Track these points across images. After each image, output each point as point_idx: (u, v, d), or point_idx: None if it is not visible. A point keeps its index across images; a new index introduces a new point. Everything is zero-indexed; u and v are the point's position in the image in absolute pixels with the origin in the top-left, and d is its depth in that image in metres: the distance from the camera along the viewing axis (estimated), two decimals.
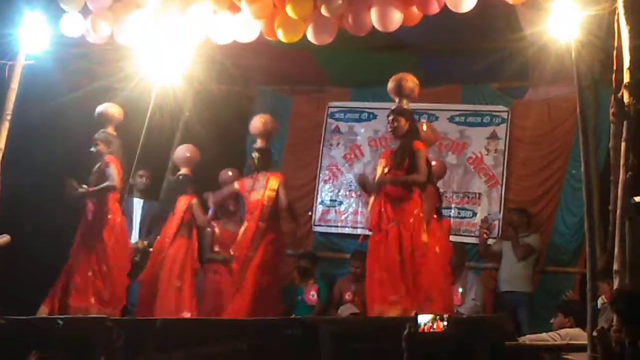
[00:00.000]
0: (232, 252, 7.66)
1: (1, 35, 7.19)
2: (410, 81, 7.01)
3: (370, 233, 7.09)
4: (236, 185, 7.93)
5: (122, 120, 7.86)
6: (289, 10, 6.90)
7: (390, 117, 6.99)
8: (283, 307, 8.12)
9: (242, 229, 7.64)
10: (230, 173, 8.52)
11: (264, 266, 7.52)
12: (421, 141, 6.99)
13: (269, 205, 7.61)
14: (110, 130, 7.77)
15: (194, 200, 8.10)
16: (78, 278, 7.46)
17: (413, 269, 6.63)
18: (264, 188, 7.65)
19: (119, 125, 7.85)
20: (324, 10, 6.86)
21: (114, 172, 7.64)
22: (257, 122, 7.96)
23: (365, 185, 7.20)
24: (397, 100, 7.03)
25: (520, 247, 8.19)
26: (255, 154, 7.85)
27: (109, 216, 7.60)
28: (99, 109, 7.80)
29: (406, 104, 7.01)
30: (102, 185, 7.62)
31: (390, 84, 7.05)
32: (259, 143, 7.89)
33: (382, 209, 6.82)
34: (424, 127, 7.62)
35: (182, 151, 8.40)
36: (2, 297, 6.74)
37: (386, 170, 6.93)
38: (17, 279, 7.29)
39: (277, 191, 7.65)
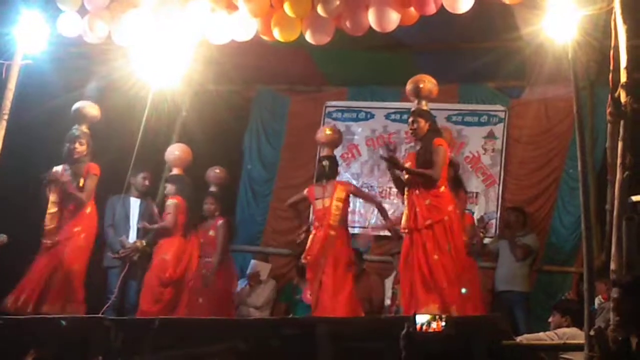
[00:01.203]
0: (303, 260, 7.63)
1: None
2: (428, 82, 7.03)
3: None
4: (305, 192, 7.85)
5: (97, 119, 7.80)
6: (287, 8, 6.90)
7: (410, 119, 7.02)
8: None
9: (311, 236, 7.59)
10: (217, 171, 8.47)
11: (336, 270, 7.46)
12: (442, 138, 7.02)
13: (337, 214, 7.55)
14: (84, 128, 7.70)
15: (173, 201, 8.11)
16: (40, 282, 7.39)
17: (452, 266, 6.68)
18: (332, 197, 7.59)
19: (94, 125, 7.79)
20: (321, 11, 6.86)
21: (92, 186, 7.63)
22: (324, 132, 7.95)
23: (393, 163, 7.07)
24: (415, 101, 7.05)
25: (518, 248, 8.19)
26: (325, 162, 7.77)
27: (75, 229, 7.55)
28: (75, 106, 7.72)
29: (425, 105, 7.03)
30: (77, 195, 7.58)
31: (409, 86, 7.07)
32: (326, 151, 7.84)
33: (417, 209, 6.82)
34: None
35: (173, 150, 8.37)
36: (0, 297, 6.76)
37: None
38: (15, 279, 7.28)
39: (345, 200, 7.64)
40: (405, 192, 6.96)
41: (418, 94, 7.02)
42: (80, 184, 7.59)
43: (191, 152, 8.35)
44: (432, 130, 6.97)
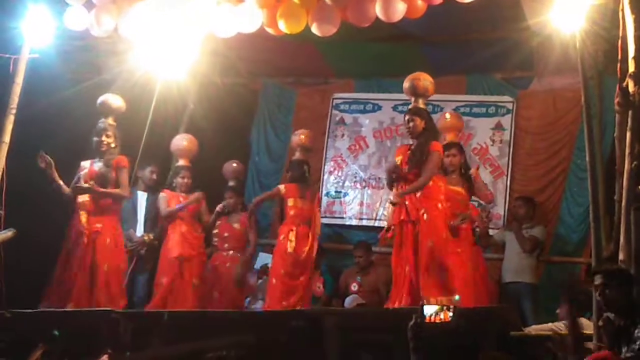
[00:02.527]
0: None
1: (5, 29, 7.21)
2: (424, 80, 7.07)
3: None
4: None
5: (124, 112, 7.82)
6: None
7: (406, 117, 7.08)
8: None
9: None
10: (234, 165, 8.53)
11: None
12: (439, 141, 7.09)
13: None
14: (111, 121, 7.73)
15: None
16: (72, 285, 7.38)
17: (443, 255, 6.76)
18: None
19: (120, 117, 7.81)
20: (327, 0, 6.85)
21: (126, 178, 7.66)
22: (298, 136, 8.13)
23: (395, 176, 7.17)
24: (412, 99, 7.07)
25: (526, 241, 8.16)
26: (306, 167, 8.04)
27: (108, 239, 7.55)
28: (102, 98, 7.73)
29: (422, 103, 7.08)
30: (114, 192, 7.60)
31: (405, 84, 7.12)
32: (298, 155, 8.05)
33: (407, 202, 6.88)
34: (447, 116, 7.81)
35: (179, 141, 8.37)
36: (8, 291, 6.77)
37: (404, 168, 6.99)
38: (21, 274, 7.29)
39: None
40: (394, 189, 7.09)
41: (414, 91, 7.07)
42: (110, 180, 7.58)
43: (197, 143, 8.35)
44: (428, 129, 7.02)
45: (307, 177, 8.02)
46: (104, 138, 7.61)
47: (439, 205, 6.87)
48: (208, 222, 8.20)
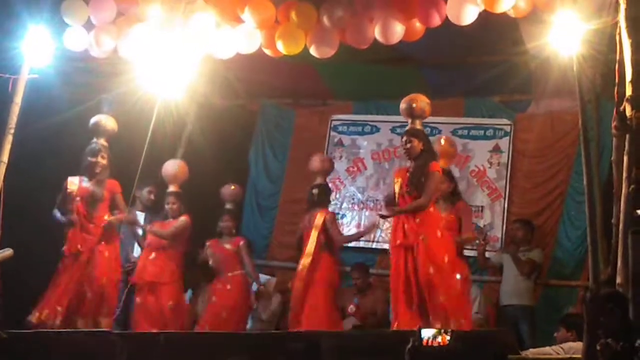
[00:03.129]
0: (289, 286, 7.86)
1: (5, 49, 7.22)
2: (421, 101, 7.03)
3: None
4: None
5: (116, 133, 7.82)
6: (292, 18, 6.93)
7: (404, 139, 7.02)
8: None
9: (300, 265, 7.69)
10: (232, 187, 8.50)
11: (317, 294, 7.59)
12: (437, 161, 7.04)
13: (313, 242, 7.65)
14: (103, 141, 7.73)
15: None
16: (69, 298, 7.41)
17: (443, 282, 6.67)
18: (312, 225, 7.73)
19: (112, 138, 7.81)
20: (325, 22, 6.89)
21: (122, 202, 7.75)
22: (316, 160, 8.11)
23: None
24: (409, 121, 7.07)
25: (524, 264, 8.16)
26: (315, 190, 7.94)
27: (106, 253, 7.61)
28: (95, 119, 7.74)
29: (419, 124, 7.05)
30: (115, 218, 7.74)
31: (402, 105, 7.09)
32: (318, 179, 8.01)
33: (406, 226, 6.82)
34: (442, 142, 7.69)
35: (168, 167, 8.28)
36: (5, 311, 6.75)
37: (404, 190, 6.93)
38: (18, 293, 7.27)
39: (322, 226, 7.71)
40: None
41: (411, 113, 7.04)
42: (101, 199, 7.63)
43: (187, 169, 8.30)
44: (426, 151, 6.98)
45: (316, 201, 7.93)
46: (99, 159, 7.63)
47: (438, 232, 6.80)
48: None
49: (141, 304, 7.85)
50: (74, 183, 7.64)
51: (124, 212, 7.74)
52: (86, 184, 7.64)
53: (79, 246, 7.48)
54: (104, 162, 7.65)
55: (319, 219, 7.69)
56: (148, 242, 8.05)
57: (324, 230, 7.69)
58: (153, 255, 7.95)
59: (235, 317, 7.99)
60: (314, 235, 7.64)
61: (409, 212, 6.83)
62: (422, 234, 6.70)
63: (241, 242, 8.21)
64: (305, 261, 7.58)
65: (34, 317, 7.27)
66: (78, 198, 7.57)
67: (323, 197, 7.93)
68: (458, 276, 6.87)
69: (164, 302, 7.81)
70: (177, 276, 7.99)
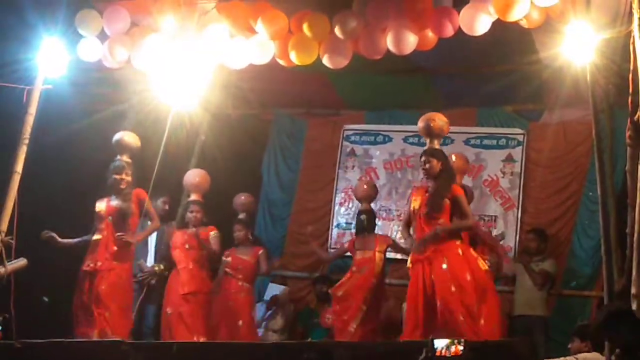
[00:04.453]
0: (332, 291, 7.99)
1: (20, 60, 7.26)
2: (439, 120, 7.06)
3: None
4: (346, 245, 8.44)
5: (138, 149, 7.87)
6: (305, 29, 6.95)
7: (423, 159, 7.05)
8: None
9: (349, 275, 7.91)
10: (243, 197, 8.52)
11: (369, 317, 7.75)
12: (456, 182, 7.10)
13: (380, 264, 7.89)
14: (126, 158, 7.78)
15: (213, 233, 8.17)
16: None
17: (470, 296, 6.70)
18: (374, 250, 7.93)
19: (134, 154, 7.86)
20: (338, 32, 6.90)
21: (153, 209, 7.94)
22: (361, 187, 8.33)
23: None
24: (427, 140, 7.08)
25: (537, 275, 8.12)
26: (362, 217, 8.08)
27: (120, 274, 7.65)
28: (117, 136, 7.80)
29: (437, 144, 7.07)
30: (150, 230, 8.01)
31: (420, 124, 7.13)
32: (363, 206, 8.17)
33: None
34: (453, 158, 7.61)
35: (192, 177, 8.39)
36: (18, 321, 6.76)
37: (422, 211, 6.97)
38: (32, 303, 7.30)
39: (385, 252, 7.98)
40: (412, 226, 7.19)
41: (429, 132, 7.06)
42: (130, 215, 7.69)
43: (209, 178, 8.37)
44: (445, 171, 6.99)
45: (365, 227, 8.08)
46: (123, 176, 7.67)
47: (459, 250, 6.82)
48: (217, 253, 8.20)
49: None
50: (101, 207, 7.71)
51: (155, 220, 7.87)
52: (114, 202, 7.70)
53: (98, 264, 7.53)
54: (129, 178, 7.70)
55: (381, 244, 7.96)
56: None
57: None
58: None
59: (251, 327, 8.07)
60: (380, 258, 7.87)
61: (457, 230, 6.94)
62: (444, 256, 6.75)
63: (260, 252, 8.26)
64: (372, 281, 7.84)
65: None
66: (110, 217, 7.64)
67: (372, 223, 8.13)
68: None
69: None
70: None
